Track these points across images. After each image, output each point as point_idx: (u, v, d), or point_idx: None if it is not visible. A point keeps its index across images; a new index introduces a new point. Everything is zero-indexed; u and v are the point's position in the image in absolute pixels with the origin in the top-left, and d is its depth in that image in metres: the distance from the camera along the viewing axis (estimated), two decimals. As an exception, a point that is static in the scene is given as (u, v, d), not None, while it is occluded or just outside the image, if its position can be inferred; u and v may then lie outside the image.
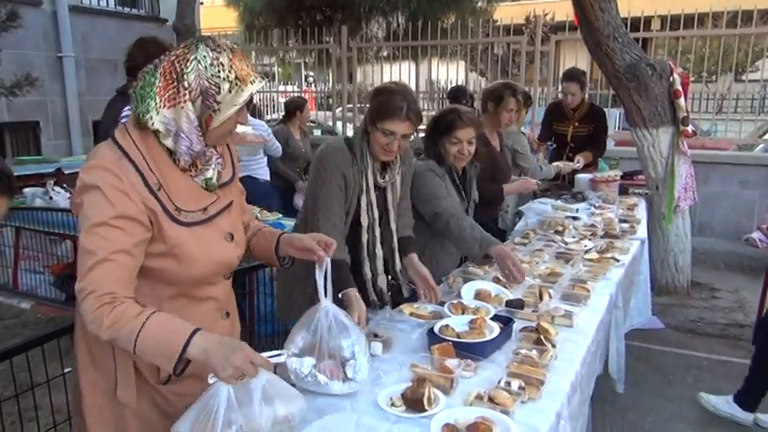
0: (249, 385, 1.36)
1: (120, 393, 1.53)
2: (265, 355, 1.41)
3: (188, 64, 1.41)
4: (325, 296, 1.69)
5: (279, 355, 1.46)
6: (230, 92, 1.43)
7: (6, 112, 7.70)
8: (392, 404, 1.63)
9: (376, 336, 1.98)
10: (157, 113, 1.42)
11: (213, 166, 1.54)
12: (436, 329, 2.02)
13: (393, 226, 2.47)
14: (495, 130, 3.78)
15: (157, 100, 1.42)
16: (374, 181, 2.36)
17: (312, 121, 9.83)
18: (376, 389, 1.72)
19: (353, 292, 2.15)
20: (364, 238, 2.39)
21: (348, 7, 10.83)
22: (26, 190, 5.50)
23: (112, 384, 1.54)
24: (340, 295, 2.11)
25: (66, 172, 6.21)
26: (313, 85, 10.95)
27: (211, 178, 1.54)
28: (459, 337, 1.98)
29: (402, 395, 1.63)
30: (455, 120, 2.78)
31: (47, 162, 6.75)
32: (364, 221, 2.37)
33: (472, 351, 1.90)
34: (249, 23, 11.41)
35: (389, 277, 2.53)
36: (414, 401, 1.60)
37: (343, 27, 8.86)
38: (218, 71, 1.42)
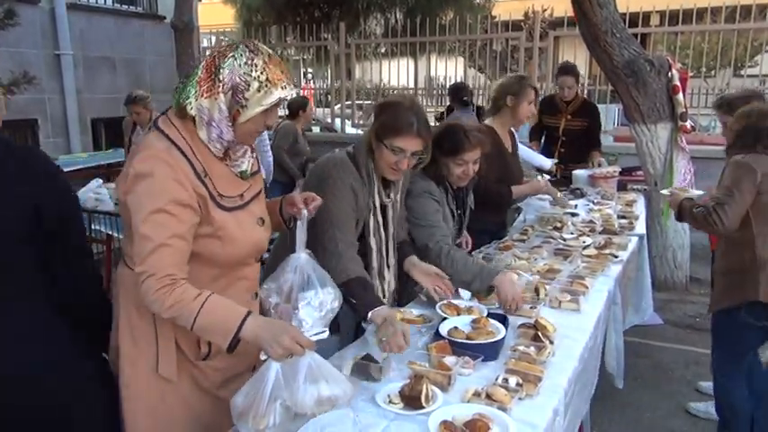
0: (296, 365, 1.49)
1: (161, 368, 1.64)
2: (309, 333, 1.56)
3: (225, 60, 1.54)
4: (301, 247, 1.72)
5: (322, 332, 1.59)
6: (259, 91, 1.54)
7: (4, 110, 7.67)
8: (390, 401, 1.63)
9: (369, 358, 1.83)
10: (196, 101, 1.56)
11: (247, 159, 1.69)
12: (444, 332, 2.00)
13: (392, 243, 2.34)
14: (508, 129, 3.55)
15: (197, 89, 1.56)
16: (381, 201, 2.24)
17: (313, 119, 9.82)
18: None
19: (385, 311, 1.95)
20: (375, 261, 2.26)
21: (346, 4, 10.83)
22: (25, 188, 5.50)
23: (153, 361, 1.64)
24: (369, 315, 1.94)
25: (65, 170, 6.19)
26: (312, 81, 10.93)
27: (246, 170, 1.68)
28: (468, 338, 1.97)
29: (399, 392, 1.64)
30: (463, 142, 2.60)
31: (45, 160, 6.74)
32: (374, 243, 2.25)
33: (483, 350, 1.89)
34: (247, 20, 11.42)
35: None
36: (411, 399, 1.60)
37: (341, 24, 8.85)
38: (251, 70, 1.53)
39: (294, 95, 1.64)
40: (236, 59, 1.54)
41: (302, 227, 1.74)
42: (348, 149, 2.26)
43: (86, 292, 1.76)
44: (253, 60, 1.54)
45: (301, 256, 1.70)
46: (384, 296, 2.30)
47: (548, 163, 4.55)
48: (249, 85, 1.53)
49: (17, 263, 1.56)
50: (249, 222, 1.69)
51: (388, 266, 2.33)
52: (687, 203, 2.83)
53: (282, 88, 1.56)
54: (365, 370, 1.78)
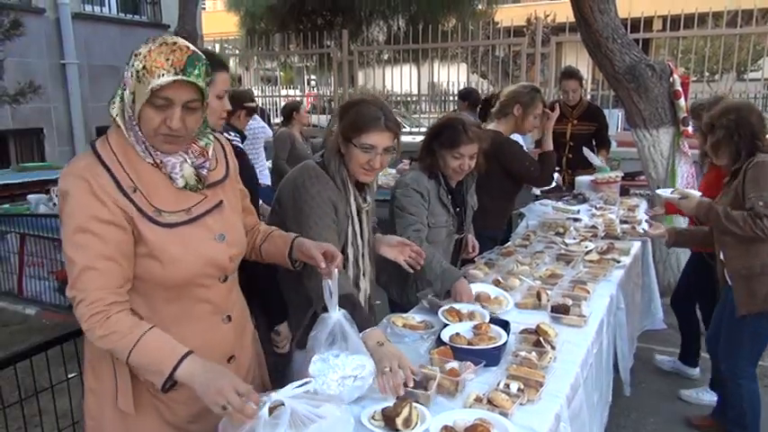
0: (279, 412, 1.32)
1: (120, 402, 1.52)
2: (293, 385, 1.39)
3: (131, 57, 1.41)
4: (331, 306, 1.64)
5: (306, 383, 1.42)
6: (139, 82, 1.37)
7: (11, 120, 7.75)
8: (373, 418, 1.58)
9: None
10: (115, 104, 1.46)
11: (186, 170, 1.49)
12: (445, 338, 2.01)
13: (368, 250, 2.21)
14: (510, 136, 3.55)
15: (118, 93, 1.46)
16: (357, 206, 2.12)
17: (315, 125, 9.86)
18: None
19: (377, 334, 1.83)
20: (351, 271, 2.13)
21: (349, 11, 10.88)
22: (30, 197, 5.54)
23: (113, 394, 1.52)
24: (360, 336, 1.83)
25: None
26: (315, 88, 10.97)
27: (190, 184, 1.50)
28: (470, 344, 1.97)
29: (383, 410, 1.57)
30: (461, 135, 2.60)
31: (51, 169, 6.79)
32: (351, 253, 2.12)
33: (485, 356, 1.89)
34: (250, 28, 11.48)
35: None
36: (389, 419, 1.54)
37: (344, 31, 8.90)
38: (134, 61, 1.39)
39: (173, 81, 1.35)
40: (132, 55, 1.40)
41: (334, 285, 1.63)
42: (316, 159, 2.16)
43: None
44: (139, 51, 1.38)
45: (333, 316, 1.63)
46: (363, 304, 2.17)
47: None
48: (132, 77, 1.38)
49: None
50: (199, 239, 1.50)
51: (364, 275, 2.20)
52: (715, 205, 2.78)
53: (159, 76, 1.35)
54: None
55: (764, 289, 2.69)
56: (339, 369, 1.60)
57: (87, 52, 8.79)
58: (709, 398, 3.43)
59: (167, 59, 1.36)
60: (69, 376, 2.42)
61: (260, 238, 1.85)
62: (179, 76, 1.36)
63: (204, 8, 17.10)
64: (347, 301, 1.82)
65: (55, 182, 6.10)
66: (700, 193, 3.06)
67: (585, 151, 4.85)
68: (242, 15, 11.60)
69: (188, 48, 1.40)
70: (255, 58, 10.90)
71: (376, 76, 10.57)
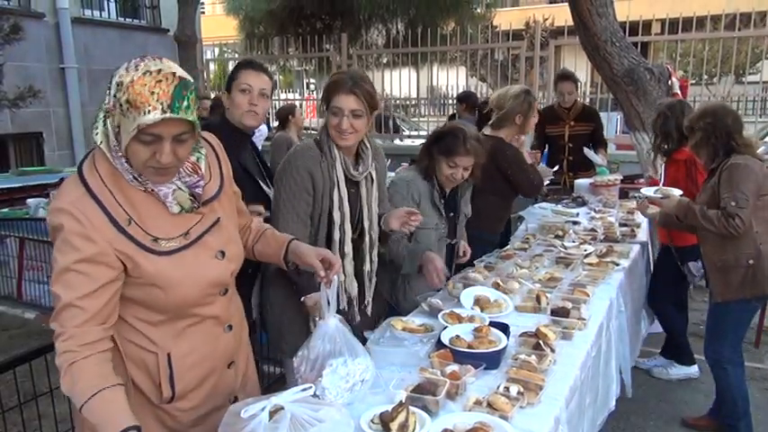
0: (279, 418, 1.32)
1: None
2: (293, 390, 1.40)
3: (112, 80, 1.33)
4: (328, 313, 1.68)
5: (307, 389, 1.42)
6: (124, 116, 1.30)
7: (10, 124, 7.76)
8: (372, 421, 1.58)
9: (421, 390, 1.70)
10: (98, 130, 1.39)
11: (179, 196, 1.46)
12: (445, 341, 2.01)
13: (367, 224, 2.39)
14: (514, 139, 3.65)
15: (100, 118, 1.40)
16: (345, 174, 2.30)
17: (314, 129, 9.87)
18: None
19: (315, 298, 2.06)
20: (336, 235, 2.30)
21: (348, 15, 10.88)
22: (30, 201, 5.54)
23: None
24: (302, 299, 2.17)
25: (68, 182, 6.23)
26: (314, 92, 10.97)
27: (185, 208, 1.47)
28: (470, 347, 1.97)
29: (380, 415, 1.57)
30: (459, 146, 2.69)
31: (50, 173, 6.80)
32: (336, 218, 2.29)
33: (484, 359, 1.89)
34: (249, 32, 11.47)
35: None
36: (384, 424, 1.54)
37: (342, 34, 8.91)
38: (115, 91, 1.31)
39: (162, 118, 1.27)
40: (113, 77, 1.32)
41: (332, 293, 1.67)
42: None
43: None
44: (121, 78, 1.30)
45: (330, 323, 1.65)
46: (345, 275, 2.35)
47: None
48: (115, 108, 1.31)
49: None
50: (200, 261, 1.49)
51: (355, 242, 2.37)
52: (693, 205, 2.96)
53: (146, 113, 1.27)
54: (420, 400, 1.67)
55: (738, 279, 2.90)
56: (350, 377, 1.63)
57: (87, 56, 8.80)
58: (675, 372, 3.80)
59: (152, 93, 1.28)
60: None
61: (252, 238, 1.84)
62: (167, 114, 1.28)
63: (203, 12, 17.16)
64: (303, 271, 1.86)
65: (54, 186, 6.14)
66: (680, 192, 3.20)
67: (586, 151, 4.88)
68: (241, 19, 11.60)
69: (173, 75, 1.31)
70: (255, 61, 10.92)
71: (375, 80, 10.55)
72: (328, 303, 1.67)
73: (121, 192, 1.40)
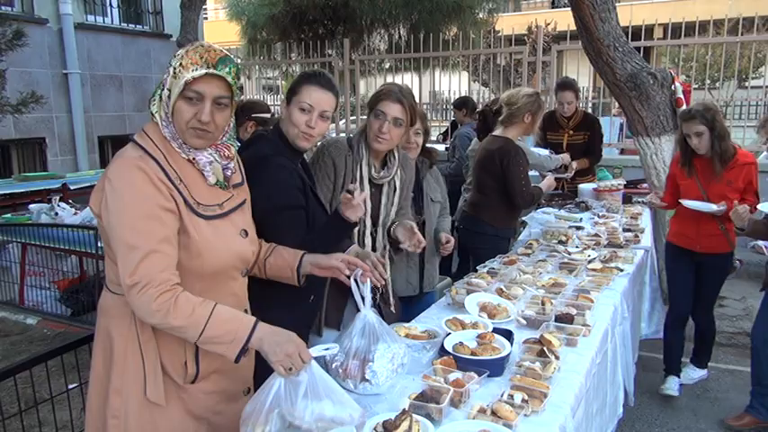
0: (297, 377, 1.47)
1: (149, 392, 1.57)
2: (318, 347, 1.54)
3: (172, 61, 1.56)
4: (364, 305, 1.82)
5: (332, 347, 1.59)
6: (175, 78, 1.52)
7: (13, 129, 7.77)
8: (375, 429, 1.57)
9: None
10: (155, 102, 1.59)
11: (215, 168, 1.63)
12: (449, 347, 1.99)
13: (381, 230, 2.47)
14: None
15: (158, 92, 1.59)
16: (369, 174, 2.41)
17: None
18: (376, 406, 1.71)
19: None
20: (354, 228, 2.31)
21: (350, 20, 10.89)
22: (32, 206, 5.54)
23: (142, 386, 1.58)
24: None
25: (71, 188, 6.25)
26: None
27: (220, 182, 1.64)
28: (473, 354, 1.96)
29: (384, 423, 1.56)
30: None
31: (53, 178, 6.80)
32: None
33: (488, 366, 1.87)
34: (252, 38, 11.48)
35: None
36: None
37: (345, 40, 8.92)
38: (171, 61, 1.55)
39: (204, 74, 1.49)
40: (173, 58, 1.57)
41: (366, 287, 1.82)
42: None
43: None
44: (179, 53, 1.55)
45: (368, 315, 1.79)
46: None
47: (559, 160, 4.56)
48: (169, 75, 1.54)
49: None
50: (230, 233, 1.65)
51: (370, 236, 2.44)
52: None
53: (193, 71, 1.50)
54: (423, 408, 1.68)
55: None
56: (395, 360, 1.79)
57: (90, 62, 8.82)
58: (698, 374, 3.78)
59: (201, 57, 1.51)
60: (70, 387, 2.41)
61: (264, 251, 1.90)
62: (210, 70, 1.50)
63: (206, 18, 17.20)
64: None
65: (56, 191, 6.14)
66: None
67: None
68: (243, 25, 11.60)
69: (222, 51, 1.55)
70: (257, 67, 10.93)
71: (377, 85, 10.57)
72: (363, 298, 1.81)
73: (171, 156, 1.56)
